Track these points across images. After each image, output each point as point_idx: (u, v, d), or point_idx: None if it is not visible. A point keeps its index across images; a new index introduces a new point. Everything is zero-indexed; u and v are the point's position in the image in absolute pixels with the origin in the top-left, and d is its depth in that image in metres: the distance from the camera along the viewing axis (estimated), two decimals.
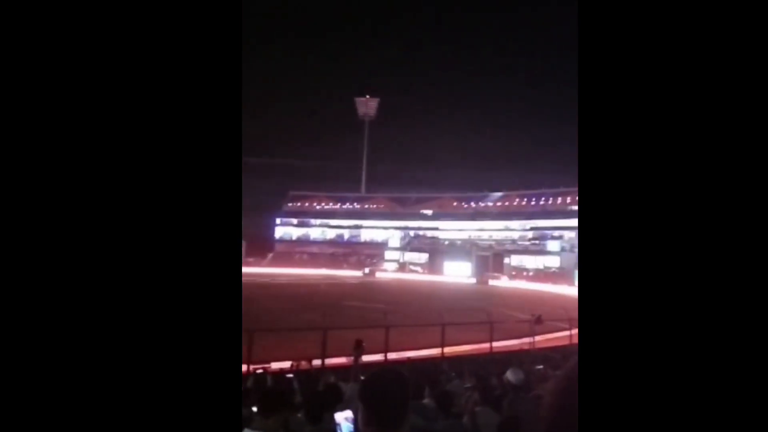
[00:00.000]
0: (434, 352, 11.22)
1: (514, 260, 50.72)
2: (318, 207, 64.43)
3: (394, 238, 59.57)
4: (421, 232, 59.58)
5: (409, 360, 10.02)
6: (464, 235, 56.59)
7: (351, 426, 1.69)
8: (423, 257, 55.34)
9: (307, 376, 7.36)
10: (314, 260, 53.81)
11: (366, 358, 9.29)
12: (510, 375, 4.79)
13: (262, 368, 7.87)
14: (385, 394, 1.30)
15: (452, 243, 56.35)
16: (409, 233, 59.71)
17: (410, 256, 56.42)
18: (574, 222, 49.96)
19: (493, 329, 11.96)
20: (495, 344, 12.02)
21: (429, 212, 60.68)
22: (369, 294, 25.16)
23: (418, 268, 53.52)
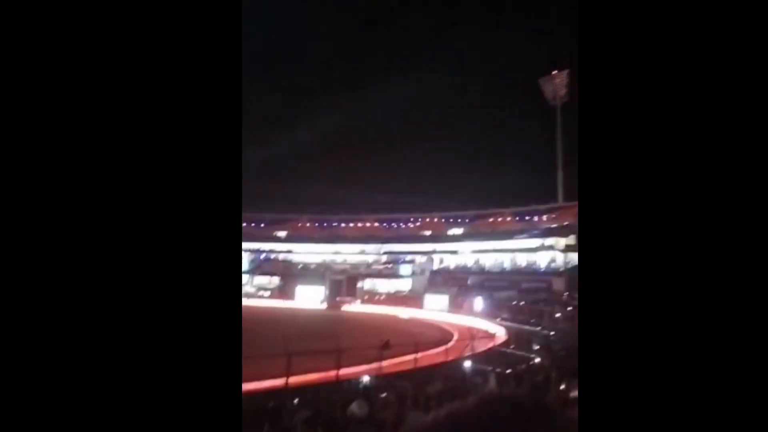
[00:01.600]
0: (278, 383, 10.73)
1: (368, 284, 51.98)
2: None
3: (243, 261, 57.08)
4: (272, 255, 58.07)
5: (249, 393, 9.41)
6: (319, 259, 56.53)
7: None
8: (273, 281, 53.84)
9: None
10: None
11: None
12: (355, 407, 4.67)
13: None
14: None
15: (306, 266, 55.87)
16: (259, 256, 57.77)
17: (259, 281, 54.49)
18: (425, 246, 53.20)
19: (341, 356, 11.88)
20: (342, 372, 11.93)
21: (282, 234, 59.54)
22: None
23: (268, 293, 51.85)
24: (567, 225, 44.15)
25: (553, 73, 53.50)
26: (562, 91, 53.20)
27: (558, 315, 24.03)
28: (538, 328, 21.71)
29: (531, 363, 10.79)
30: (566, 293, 34.32)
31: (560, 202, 50.41)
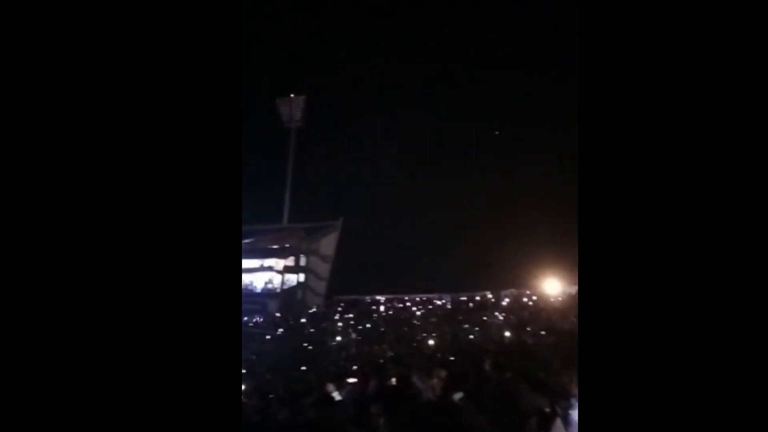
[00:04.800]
0: None
1: None
2: None
3: None
4: None
5: None
6: None
7: None
8: None
9: None
10: None
11: None
12: None
13: None
14: None
15: None
16: None
17: None
18: None
19: None
20: None
21: None
22: None
23: None
24: (288, 247, 45.41)
25: (291, 96, 55.47)
26: (298, 115, 55.52)
27: (268, 337, 23.96)
28: (245, 351, 21.12)
29: None
30: (278, 314, 34.85)
31: (285, 223, 51.79)
